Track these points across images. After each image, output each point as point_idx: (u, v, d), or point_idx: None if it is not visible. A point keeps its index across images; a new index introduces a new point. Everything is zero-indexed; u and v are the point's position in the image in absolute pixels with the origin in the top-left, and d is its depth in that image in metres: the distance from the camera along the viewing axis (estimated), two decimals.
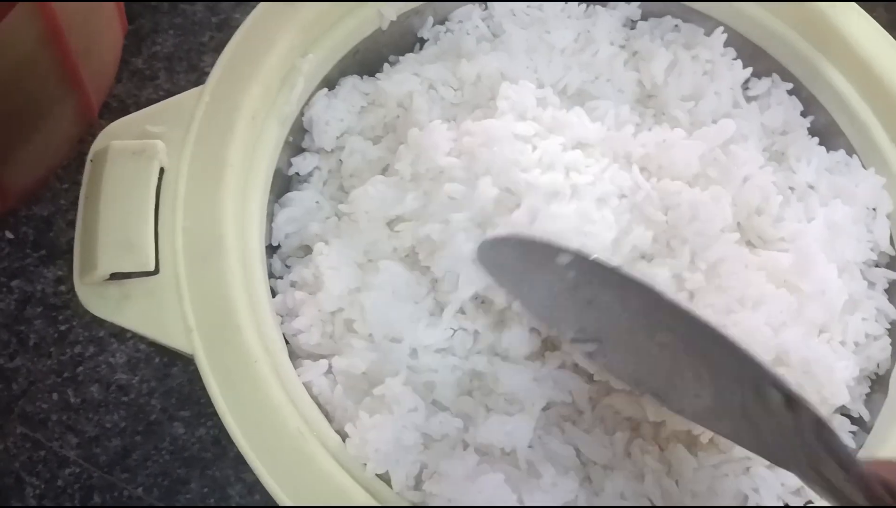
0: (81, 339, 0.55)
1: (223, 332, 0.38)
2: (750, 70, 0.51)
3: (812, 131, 0.50)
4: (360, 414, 0.39)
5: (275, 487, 0.36)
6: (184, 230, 0.40)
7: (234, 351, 0.38)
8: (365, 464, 0.38)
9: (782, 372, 0.40)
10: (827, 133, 0.50)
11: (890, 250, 0.47)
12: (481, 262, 0.40)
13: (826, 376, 0.41)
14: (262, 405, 0.37)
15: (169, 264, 0.39)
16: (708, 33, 0.51)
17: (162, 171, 0.41)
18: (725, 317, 0.41)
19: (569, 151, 0.44)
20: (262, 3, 0.45)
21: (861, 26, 0.49)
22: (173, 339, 0.38)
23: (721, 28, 0.51)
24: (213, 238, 0.40)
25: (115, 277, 0.39)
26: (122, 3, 0.61)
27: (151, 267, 0.39)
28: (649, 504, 0.40)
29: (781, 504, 0.40)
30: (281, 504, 0.35)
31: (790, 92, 0.51)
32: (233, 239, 0.40)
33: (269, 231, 0.46)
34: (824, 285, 0.42)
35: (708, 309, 0.41)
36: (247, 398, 0.37)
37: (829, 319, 0.43)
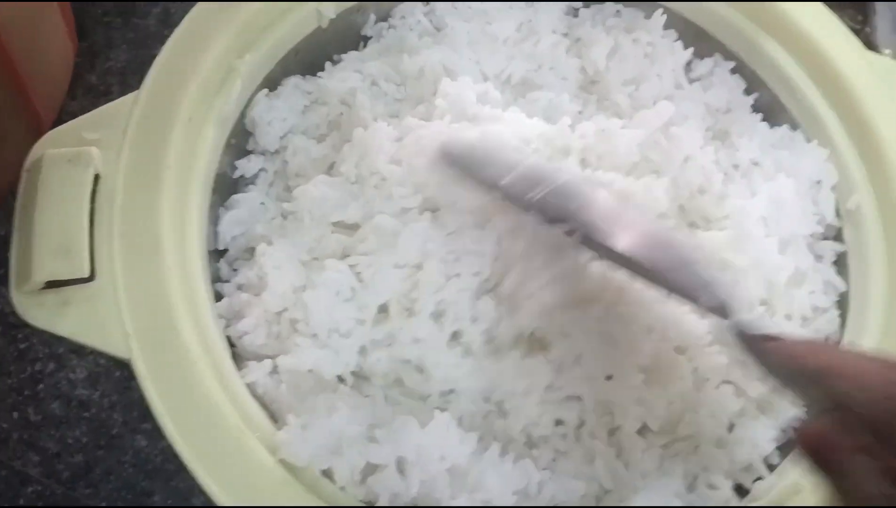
0: (41, 356, 0.54)
1: (161, 336, 0.38)
2: (691, 51, 0.51)
3: (756, 108, 0.50)
4: (304, 411, 0.39)
5: (213, 487, 0.35)
6: (120, 235, 0.39)
7: (172, 355, 0.38)
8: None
9: (718, 350, 0.40)
10: (771, 109, 0.50)
11: (836, 223, 0.46)
12: (441, 163, 0.42)
13: None
14: (201, 406, 0.37)
15: (105, 269, 0.39)
16: (648, 16, 0.51)
17: (98, 177, 0.41)
18: (650, 306, 0.40)
19: None
20: (197, 5, 0.45)
21: (802, 3, 0.49)
22: (111, 345, 0.38)
23: (660, 10, 0.51)
24: (151, 242, 0.40)
25: (52, 285, 0.39)
26: (71, 18, 0.61)
27: (86, 273, 0.39)
28: (599, 487, 0.39)
29: (731, 485, 0.40)
30: (219, 504, 0.35)
31: (733, 70, 0.51)
32: (171, 243, 0.40)
33: (216, 235, 0.46)
34: (761, 256, 0.42)
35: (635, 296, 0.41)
36: (185, 400, 0.37)
37: (771, 293, 0.43)
